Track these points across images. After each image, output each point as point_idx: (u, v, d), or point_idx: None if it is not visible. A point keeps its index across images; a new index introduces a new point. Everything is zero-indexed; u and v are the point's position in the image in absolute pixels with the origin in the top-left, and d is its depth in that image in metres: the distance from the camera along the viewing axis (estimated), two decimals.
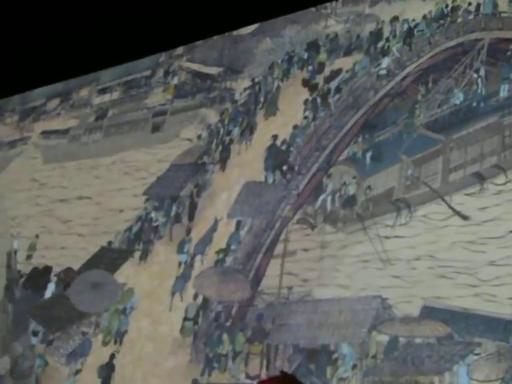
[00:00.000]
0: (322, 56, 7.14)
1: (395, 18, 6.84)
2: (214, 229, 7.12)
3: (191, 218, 7.34)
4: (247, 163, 7.23)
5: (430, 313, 5.81)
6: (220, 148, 7.46)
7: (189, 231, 7.29)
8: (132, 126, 8.24)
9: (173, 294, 7.10)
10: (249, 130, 7.33)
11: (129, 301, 7.37)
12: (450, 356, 5.65)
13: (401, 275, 6.02)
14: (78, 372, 7.38)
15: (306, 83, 7.15)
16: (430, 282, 5.89)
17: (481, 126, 6.10)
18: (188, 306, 6.98)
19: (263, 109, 7.37)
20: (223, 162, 7.38)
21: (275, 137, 7.09)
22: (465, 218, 5.93)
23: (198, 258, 7.10)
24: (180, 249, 7.25)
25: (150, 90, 8.26)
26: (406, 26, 6.76)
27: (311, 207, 6.67)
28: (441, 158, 6.19)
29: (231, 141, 7.44)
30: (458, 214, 5.94)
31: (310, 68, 7.16)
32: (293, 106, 7.13)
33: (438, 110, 6.34)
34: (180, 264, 7.18)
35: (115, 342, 7.28)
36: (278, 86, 7.35)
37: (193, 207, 7.36)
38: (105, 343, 7.34)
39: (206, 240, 7.11)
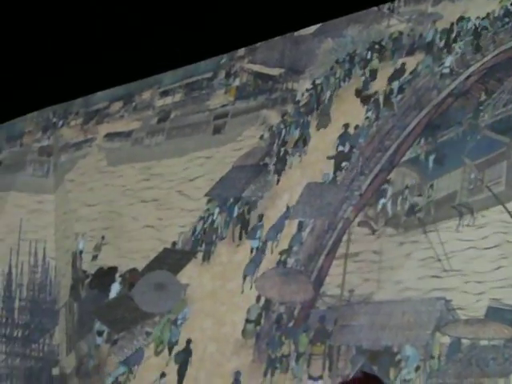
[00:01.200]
0: (375, 63, 7.06)
1: (459, 17, 6.74)
2: (286, 216, 7.11)
3: (241, 237, 7.39)
4: (309, 164, 7.21)
5: (495, 314, 5.73)
6: (281, 152, 7.46)
7: (261, 217, 7.30)
8: (194, 129, 8.26)
9: (244, 277, 7.13)
10: (302, 141, 7.31)
11: (181, 311, 7.43)
12: None
13: (465, 277, 5.95)
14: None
15: (358, 93, 7.08)
16: (495, 283, 5.81)
17: None
18: (250, 307, 7.00)
19: (319, 117, 7.33)
20: (281, 168, 7.38)
21: (347, 125, 7.03)
22: None
23: (269, 243, 7.12)
24: (252, 234, 7.28)
25: (211, 91, 8.26)
26: (469, 25, 6.65)
27: (373, 210, 6.63)
28: (505, 162, 6.09)
29: (286, 151, 7.42)
30: None
31: (363, 78, 7.10)
32: (354, 106, 7.08)
33: (503, 110, 6.23)
34: (252, 250, 7.21)
35: (169, 352, 7.36)
36: (331, 96, 7.30)
37: (245, 224, 7.37)
38: (157, 353, 7.41)
39: (278, 226, 7.12)
